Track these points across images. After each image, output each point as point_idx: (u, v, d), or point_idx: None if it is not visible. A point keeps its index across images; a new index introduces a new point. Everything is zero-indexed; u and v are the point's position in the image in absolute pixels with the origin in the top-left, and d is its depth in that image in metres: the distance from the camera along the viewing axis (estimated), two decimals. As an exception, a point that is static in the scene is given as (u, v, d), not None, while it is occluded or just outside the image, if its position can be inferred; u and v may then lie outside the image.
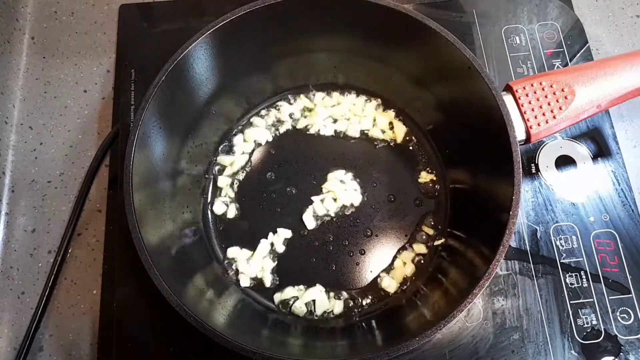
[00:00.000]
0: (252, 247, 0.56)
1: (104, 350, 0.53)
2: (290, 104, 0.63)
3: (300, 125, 0.62)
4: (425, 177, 0.59)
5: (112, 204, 0.58)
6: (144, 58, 0.63)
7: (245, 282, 0.55)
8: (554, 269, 0.55)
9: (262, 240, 0.56)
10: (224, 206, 0.58)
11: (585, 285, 0.54)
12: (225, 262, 0.56)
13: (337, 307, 0.54)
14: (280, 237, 0.56)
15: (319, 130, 0.61)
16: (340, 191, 0.58)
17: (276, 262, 0.56)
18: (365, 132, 0.61)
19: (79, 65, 0.67)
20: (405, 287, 0.54)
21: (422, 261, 0.56)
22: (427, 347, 0.52)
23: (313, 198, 0.58)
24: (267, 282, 0.55)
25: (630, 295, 0.54)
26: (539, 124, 0.48)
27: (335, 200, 0.58)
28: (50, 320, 0.56)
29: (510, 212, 0.43)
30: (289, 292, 0.54)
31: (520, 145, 0.45)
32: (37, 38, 0.68)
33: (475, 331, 0.52)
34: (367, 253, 0.56)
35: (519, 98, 0.48)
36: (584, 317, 0.53)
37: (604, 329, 0.53)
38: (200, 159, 0.59)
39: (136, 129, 0.46)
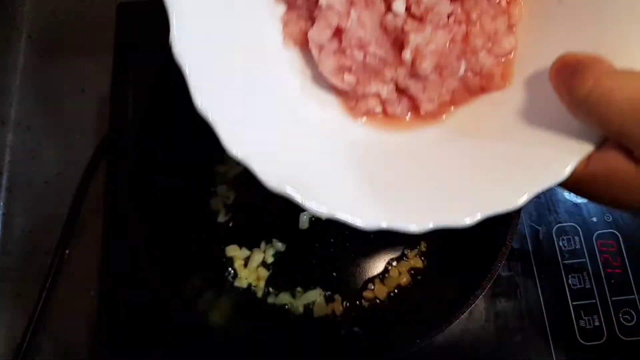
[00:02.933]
0: (250, 247, 0.56)
1: (101, 352, 0.53)
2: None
3: None
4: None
5: (110, 205, 0.58)
6: (142, 57, 0.63)
7: (241, 283, 0.54)
8: (557, 270, 0.54)
9: (255, 250, 0.56)
10: (223, 206, 0.58)
11: (588, 286, 0.54)
12: (224, 262, 0.55)
13: (337, 309, 0.53)
14: (274, 247, 0.56)
15: None
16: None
17: (271, 271, 0.55)
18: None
19: (76, 65, 0.66)
20: (406, 288, 0.54)
21: (425, 262, 0.55)
22: (428, 349, 0.51)
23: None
24: (260, 292, 0.54)
25: (633, 297, 0.54)
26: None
27: None
28: (48, 322, 0.55)
29: (513, 213, 0.42)
30: (286, 295, 0.54)
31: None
32: (35, 37, 0.68)
33: (477, 333, 0.52)
34: (368, 254, 0.56)
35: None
36: (586, 318, 0.53)
37: (607, 330, 0.52)
38: (198, 159, 0.58)
39: (134, 130, 0.45)
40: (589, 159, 0.31)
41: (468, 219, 0.31)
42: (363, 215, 0.32)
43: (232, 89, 0.34)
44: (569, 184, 0.31)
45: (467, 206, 0.32)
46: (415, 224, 0.32)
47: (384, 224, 0.32)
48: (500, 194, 0.31)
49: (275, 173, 0.32)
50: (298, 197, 0.31)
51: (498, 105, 0.37)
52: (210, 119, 0.33)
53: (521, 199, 0.30)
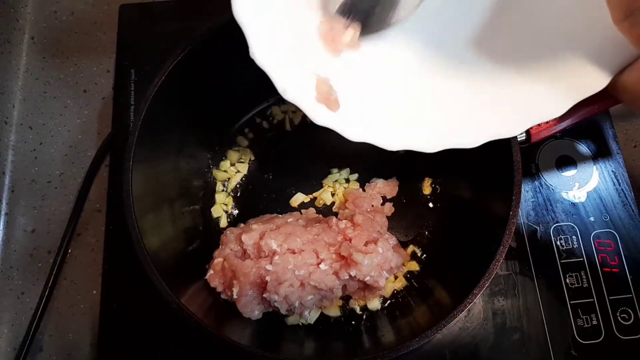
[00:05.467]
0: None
1: (103, 351, 0.53)
2: (285, 103, 0.62)
3: (297, 120, 0.61)
4: (426, 181, 0.59)
5: (112, 204, 0.58)
6: (144, 58, 0.63)
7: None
8: (554, 269, 0.55)
9: None
10: (223, 210, 0.58)
11: (585, 285, 0.54)
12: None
13: (333, 312, 0.53)
14: None
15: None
16: (340, 189, 0.58)
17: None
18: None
19: (78, 65, 0.67)
20: (406, 287, 0.54)
21: (423, 261, 0.55)
22: (427, 347, 0.52)
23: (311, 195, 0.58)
24: None
25: (631, 296, 0.54)
26: (539, 124, 0.48)
27: (333, 195, 0.58)
28: (50, 320, 0.56)
29: (511, 212, 0.43)
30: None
31: (520, 145, 0.45)
32: (37, 38, 0.68)
33: (475, 331, 0.52)
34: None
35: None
36: (584, 317, 0.53)
37: (605, 329, 0.53)
38: (198, 161, 0.59)
39: (135, 130, 0.45)
40: (626, 70, 0.35)
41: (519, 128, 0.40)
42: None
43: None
44: (613, 89, 0.36)
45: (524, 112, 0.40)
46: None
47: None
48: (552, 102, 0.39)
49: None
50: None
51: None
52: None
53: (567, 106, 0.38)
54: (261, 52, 0.39)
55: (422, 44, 0.44)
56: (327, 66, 0.43)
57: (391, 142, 0.43)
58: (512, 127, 0.41)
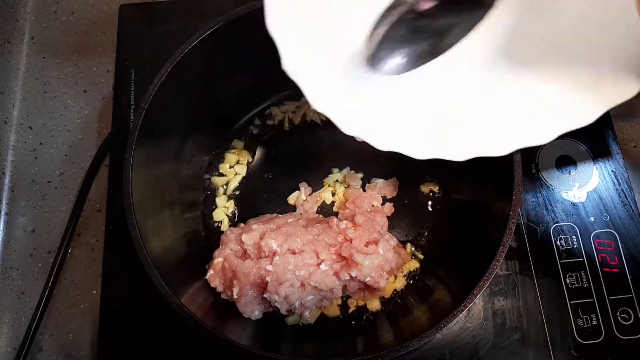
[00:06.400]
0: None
1: (103, 351, 0.53)
2: (284, 104, 0.62)
3: (297, 120, 0.61)
4: (426, 182, 0.59)
5: (112, 204, 0.58)
6: (144, 58, 0.63)
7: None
8: (554, 269, 0.55)
9: None
10: (225, 213, 0.58)
11: (585, 285, 0.54)
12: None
13: (333, 312, 0.53)
14: None
15: (318, 119, 0.61)
16: (340, 189, 0.58)
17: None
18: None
19: (78, 65, 0.67)
20: (406, 287, 0.54)
21: (423, 261, 0.56)
22: (427, 347, 0.52)
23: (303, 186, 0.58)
24: None
25: (631, 296, 0.54)
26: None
27: (333, 195, 0.59)
28: (50, 320, 0.56)
29: (510, 212, 0.43)
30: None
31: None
32: (37, 38, 0.68)
33: (475, 331, 0.53)
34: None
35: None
36: (584, 317, 0.53)
37: (605, 329, 0.53)
38: (198, 164, 0.59)
39: (135, 130, 0.46)
40: None
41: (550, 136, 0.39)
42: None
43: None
44: None
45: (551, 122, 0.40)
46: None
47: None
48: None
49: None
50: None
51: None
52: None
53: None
54: (292, 65, 0.39)
55: (450, 56, 0.44)
56: (356, 80, 0.43)
57: (421, 151, 0.42)
58: (542, 134, 0.40)
